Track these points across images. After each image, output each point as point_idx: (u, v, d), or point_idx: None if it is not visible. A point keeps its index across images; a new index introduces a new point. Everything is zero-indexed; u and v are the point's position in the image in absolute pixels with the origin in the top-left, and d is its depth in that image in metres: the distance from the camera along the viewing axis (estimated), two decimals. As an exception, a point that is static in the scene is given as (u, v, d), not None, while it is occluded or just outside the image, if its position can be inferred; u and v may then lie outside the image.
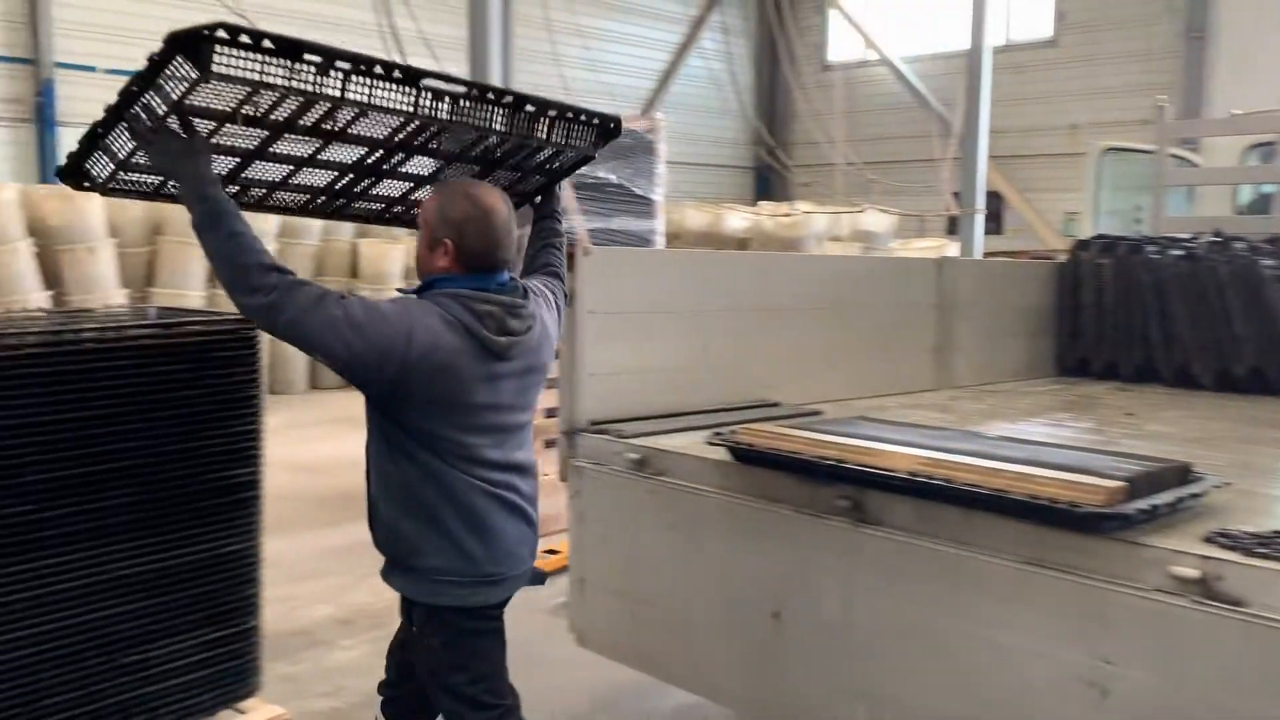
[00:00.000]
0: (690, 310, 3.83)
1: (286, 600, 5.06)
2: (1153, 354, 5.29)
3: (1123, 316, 5.40)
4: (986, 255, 10.07)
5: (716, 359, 3.93)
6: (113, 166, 2.61)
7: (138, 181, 2.68)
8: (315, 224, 11.48)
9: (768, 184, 19.66)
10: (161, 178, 2.62)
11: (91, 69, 12.26)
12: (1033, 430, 3.69)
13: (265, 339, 3.18)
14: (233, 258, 2.35)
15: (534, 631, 4.62)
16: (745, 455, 2.96)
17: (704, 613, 3.13)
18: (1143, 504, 2.28)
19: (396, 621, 4.67)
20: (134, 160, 2.56)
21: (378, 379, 2.41)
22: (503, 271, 2.56)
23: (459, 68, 6.51)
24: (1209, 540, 2.21)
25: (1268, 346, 4.96)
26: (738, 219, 13.63)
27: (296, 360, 11.32)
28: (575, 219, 7.06)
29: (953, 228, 12.72)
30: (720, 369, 3.95)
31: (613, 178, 7.26)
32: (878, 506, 2.67)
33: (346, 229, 11.85)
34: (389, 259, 11.46)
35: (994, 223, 16.32)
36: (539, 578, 2.73)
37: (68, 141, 12.08)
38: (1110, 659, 2.24)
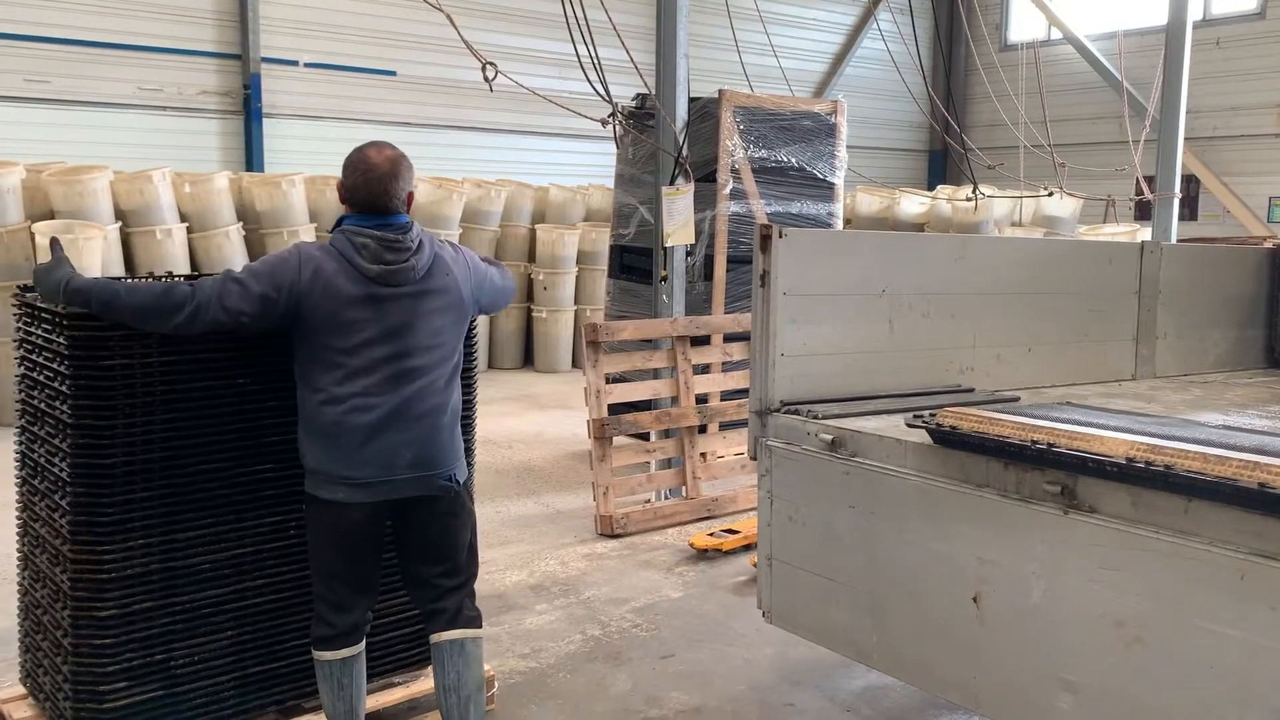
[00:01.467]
0: (883, 292, 3.81)
1: (483, 565, 5.27)
2: (1379, 346, 4.94)
3: (1345, 306, 5.07)
4: (1180, 242, 9.53)
5: (908, 342, 3.90)
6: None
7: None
8: (496, 210, 11.90)
9: (943, 168, 19.15)
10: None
11: (294, 63, 13.04)
12: (1250, 423, 3.52)
13: (480, 319, 3.51)
14: (142, 311, 2.86)
15: (718, 608, 4.73)
16: (947, 438, 2.94)
17: (898, 593, 3.13)
18: (1389, 497, 2.17)
19: (584, 590, 4.90)
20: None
21: (285, 309, 2.91)
22: (389, 215, 3.02)
23: (647, 56, 6.64)
24: None
25: None
26: (913, 203, 13.35)
27: (479, 341, 11.76)
28: (754, 203, 7.10)
29: (1143, 213, 12.08)
30: (912, 352, 3.92)
31: (793, 161, 7.25)
32: (1090, 493, 2.62)
33: (525, 215, 12.23)
34: (564, 243, 11.76)
35: (1188, 208, 15.41)
36: (433, 485, 3.08)
37: (272, 133, 12.91)
38: (1349, 657, 2.14)
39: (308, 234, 10.47)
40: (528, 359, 12.13)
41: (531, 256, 12.06)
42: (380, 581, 3.23)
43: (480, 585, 4.98)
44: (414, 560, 3.18)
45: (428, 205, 10.77)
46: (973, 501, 2.90)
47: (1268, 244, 5.81)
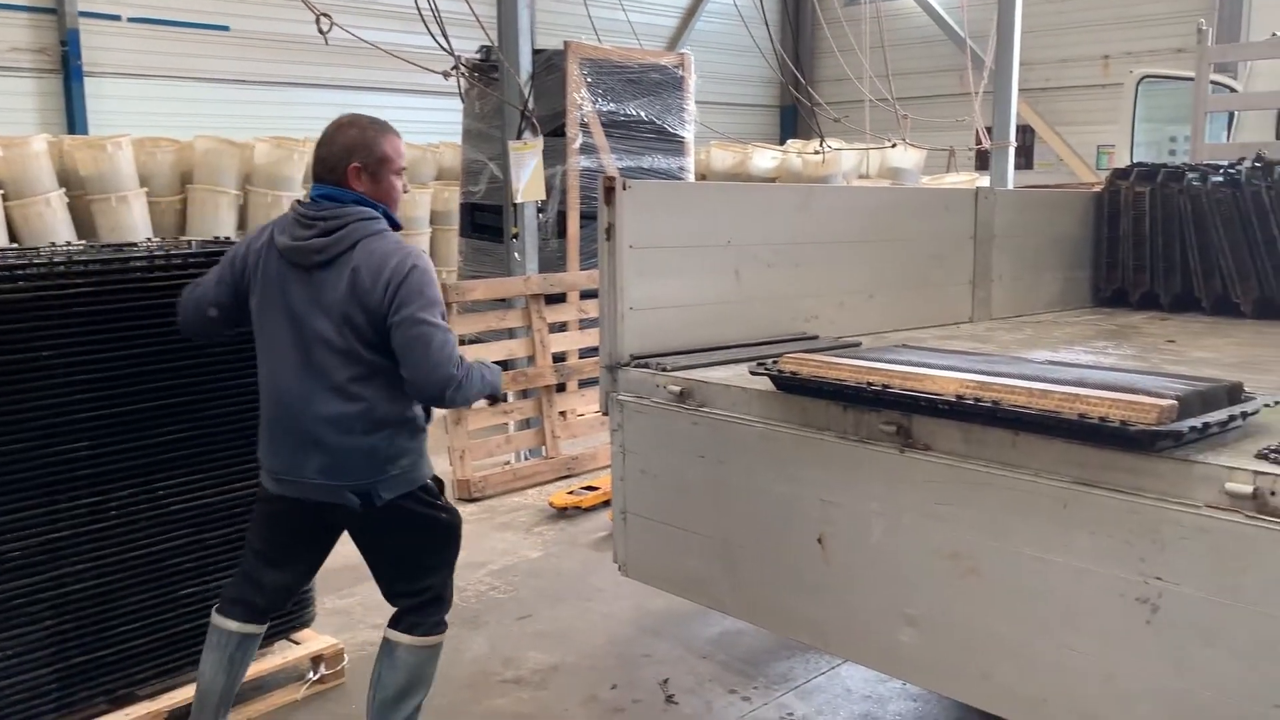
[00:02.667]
0: (729, 244, 3.81)
1: (331, 538, 5.15)
2: (1192, 282, 5.24)
3: (1162, 245, 5.34)
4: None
5: (755, 292, 3.92)
6: None
7: None
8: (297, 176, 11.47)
9: (794, 123, 19.43)
10: None
11: (116, 17, 12.23)
12: (1075, 358, 3.67)
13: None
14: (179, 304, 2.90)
15: (577, 565, 4.72)
16: (788, 384, 2.96)
17: (747, 539, 3.16)
18: (1195, 422, 2.27)
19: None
20: None
21: (242, 289, 2.83)
22: (325, 185, 2.79)
23: (490, 9, 6.45)
24: (1262, 456, 2.20)
25: (1311, 272, 4.89)
26: (765, 158, 13.51)
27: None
28: (605, 157, 7.04)
29: (983, 163, 12.54)
30: (758, 302, 3.95)
31: (642, 115, 7.20)
32: (924, 431, 2.67)
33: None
34: (415, 203, 11.45)
35: (1024, 157, 16.07)
36: (344, 497, 2.81)
37: (95, 92, 12.10)
38: (1161, 576, 2.25)
39: (138, 200, 9.89)
40: (383, 324, 11.82)
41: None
42: (304, 576, 3.11)
43: (332, 558, 4.84)
44: (369, 564, 3.02)
45: (266, 166, 10.32)
46: (815, 445, 2.94)
47: (1095, 189, 6.08)
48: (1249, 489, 2.12)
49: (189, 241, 3.52)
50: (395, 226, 2.89)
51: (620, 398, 3.52)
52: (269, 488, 2.87)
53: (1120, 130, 8.37)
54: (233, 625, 2.93)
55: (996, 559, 2.56)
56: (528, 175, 6.06)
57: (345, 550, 4.97)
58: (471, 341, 6.37)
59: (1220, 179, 5.26)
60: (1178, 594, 2.24)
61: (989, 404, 2.49)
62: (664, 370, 3.39)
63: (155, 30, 12.48)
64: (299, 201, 2.83)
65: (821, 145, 10.30)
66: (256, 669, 3.41)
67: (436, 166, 12.35)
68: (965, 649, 2.66)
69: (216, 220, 10.18)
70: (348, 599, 4.32)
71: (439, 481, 3.02)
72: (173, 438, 3.17)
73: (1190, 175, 5.36)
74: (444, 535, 3.00)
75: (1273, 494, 2.10)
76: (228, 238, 3.76)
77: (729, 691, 3.52)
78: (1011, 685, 2.57)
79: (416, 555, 2.94)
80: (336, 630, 3.90)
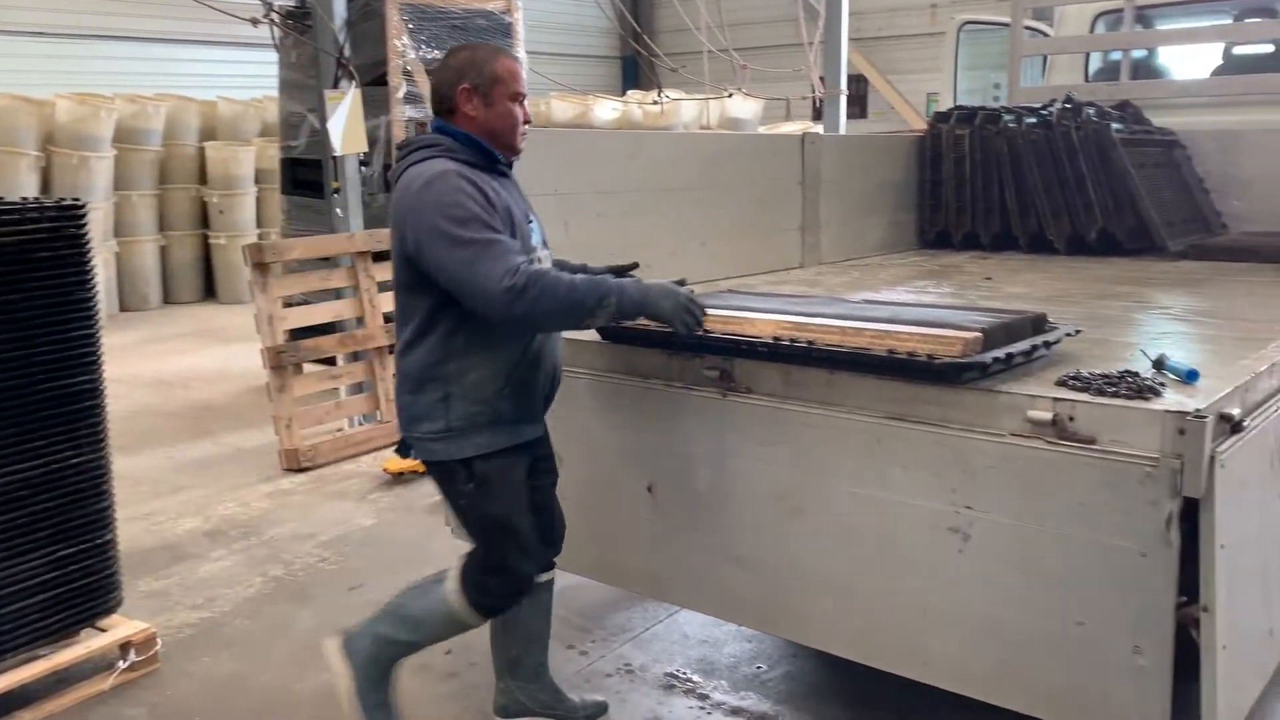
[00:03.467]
0: (555, 193, 3.71)
1: (151, 516, 4.87)
2: (1010, 222, 5.42)
3: (981, 187, 5.51)
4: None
5: (585, 242, 3.82)
6: None
7: None
8: (156, 128, 10.78)
9: (635, 74, 19.31)
10: None
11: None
12: (895, 297, 3.73)
13: (97, 240, 3.01)
14: None
15: (413, 531, 4.58)
16: (614, 333, 2.91)
17: (582, 493, 3.09)
18: (998, 353, 2.32)
19: (267, 529, 4.59)
20: None
21: None
22: (436, 119, 2.61)
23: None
24: (1061, 383, 2.26)
25: (1115, 208, 5.13)
26: (606, 109, 13.37)
27: (149, 275, 10.77)
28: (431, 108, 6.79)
29: (819, 112, 12.71)
30: (589, 252, 3.85)
31: (470, 64, 6.97)
32: (745, 374, 2.66)
33: (191, 133, 11.18)
34: (238, 161, 10.88)
35: (858, 106, 16.43)
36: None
37: None
38: (971, 505, 2.29)
39: (-76, 162, 9.06)
40: (210, 291, 11.23)
41: (203, 178, 11.09)
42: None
43: (149, 537, 4.59)
44: None
45: (70, 124, 9.61)
46: (642, 394, 2.90)
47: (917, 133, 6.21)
48: (1049, 415, 2.17)
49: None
50: (497, 160, 2.58)
51: (445, 355, 3.39)
52: None
53: (944, 76, 8.59)
54: None
55: (818, 498, 2.57)
56: (343, 125, 5.76)
57: (162, 529, 4.71)
58: (300, 303, 6.08)
59: (1034, 120, 5.45)
60: (987, 522, 2.28)
61: (804, 344, 2.49)
62: (488, 324, 3.28)
63: (-66, -24, 11.43)
64: None
65: (660, 96, 10.24)
66: (52, 664, 3.15)
67: (260, 122, 11.74)
68: (791, 588, 2.67)
69: (16, 183, 9.44)
70: (165, 580, 4.08)
71: (495, 462, 2.60)
72: (-56, 417, 2.88)
73: (1006, 118, 5.53)
74: (470, 523, 2.69)
75: (1071, 419, 2.15)
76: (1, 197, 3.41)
77: (566, 647, 3.47)
78: (835, 621, 2.60)
79: (464, 521, 2.71)
80: (152, 613, 3.67)
